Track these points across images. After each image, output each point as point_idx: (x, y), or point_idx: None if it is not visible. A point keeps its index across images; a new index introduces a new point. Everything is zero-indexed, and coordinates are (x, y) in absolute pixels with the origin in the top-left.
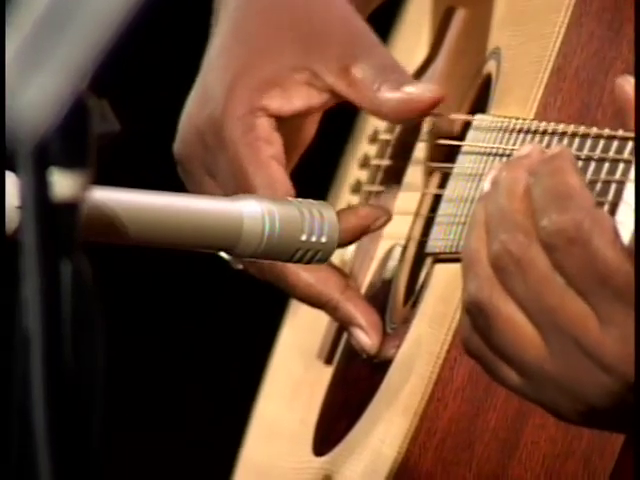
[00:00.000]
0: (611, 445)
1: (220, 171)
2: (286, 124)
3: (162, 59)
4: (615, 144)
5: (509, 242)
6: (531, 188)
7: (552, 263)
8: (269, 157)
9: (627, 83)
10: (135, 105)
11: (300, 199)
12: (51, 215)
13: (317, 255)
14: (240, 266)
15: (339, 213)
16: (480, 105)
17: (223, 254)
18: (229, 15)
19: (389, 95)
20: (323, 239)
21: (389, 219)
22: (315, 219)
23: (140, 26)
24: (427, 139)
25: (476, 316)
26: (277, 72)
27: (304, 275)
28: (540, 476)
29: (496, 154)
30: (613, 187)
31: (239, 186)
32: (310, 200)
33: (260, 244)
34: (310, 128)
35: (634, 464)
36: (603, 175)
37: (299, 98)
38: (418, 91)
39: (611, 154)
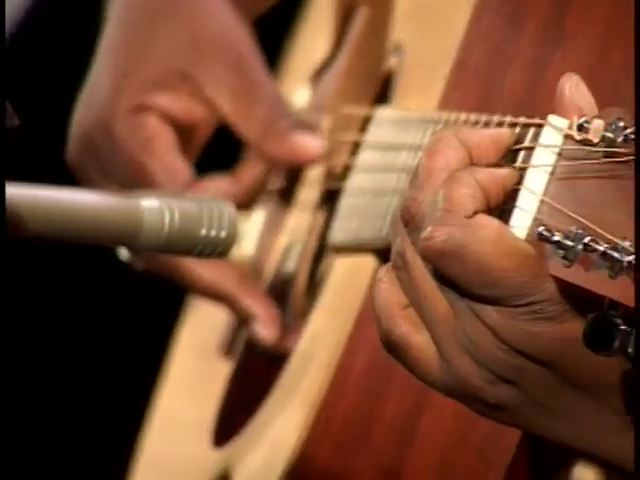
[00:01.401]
0: (508, 439)
1: (116, 174)
2: (175, 127)
3: (60, 54)
4: (516, 132)
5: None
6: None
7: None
8: (164, 147)
9: (568, 82)
10: (33, 100)
11: (200, 196)
12: None
13: (217, 249)
14: (140, 266)
15: (232, 177)
16: (383, 101)
17: (122, 255)
18: (115, 17)
19: (275, 140)
20: (222, 234)
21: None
22: (215, 214)
23: (35, 23)
24: (329, 136)
25: (398, 268)
26: (161, 73)
27: (201, 271)
28: (436, 466)
29: (396, 147)
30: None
31: (139, 183)
32: (210, 196)
33: (160, 238)
34: (200, 135)
35: (635, 463)
36: (505, 161)
37: (183, 104)
38: (303, 144)
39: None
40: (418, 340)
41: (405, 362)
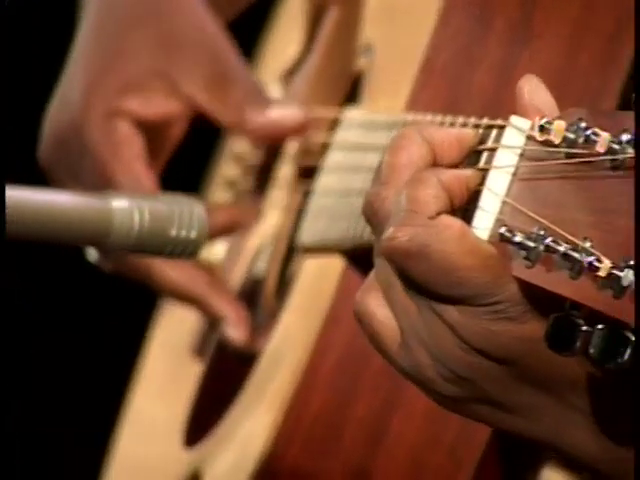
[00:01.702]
0: (479, 436)
1: (85, 175)
2: (149, 127)
3: (34, 53)
4: (480, 132)
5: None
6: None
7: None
8: (132, 157)
9: (526, 84)
10: (5, 99)
11: (171, 195)
12: None
13: (187, 250)
14: (109, 267)
15: (209, 209)
16: (352, 101)
17: (91, 257)
18: (90, 17)
19: (255, 116)
20: (193, 234)
21: (257, 218)
22: (185, 214)
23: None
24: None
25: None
26: (135, 75)
27: (170, 272)
28: (406, 466)
29: (363, 148)
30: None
31: (104, 187)
32: (180, 196)
33: (130, 238)
34: (175, 132)
35: (635, 465)
36: (469, 161)
37: (158, 104)
38: (284, 115)
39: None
40: (384, 314)
41: (368, 333)
